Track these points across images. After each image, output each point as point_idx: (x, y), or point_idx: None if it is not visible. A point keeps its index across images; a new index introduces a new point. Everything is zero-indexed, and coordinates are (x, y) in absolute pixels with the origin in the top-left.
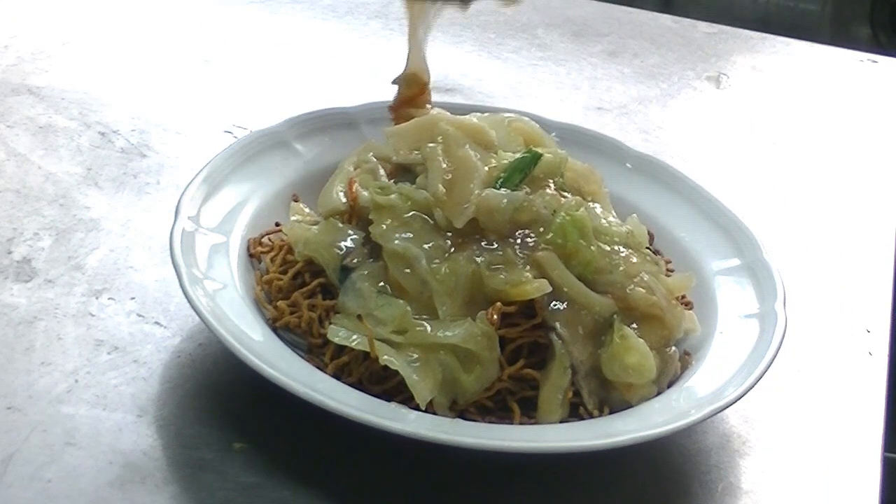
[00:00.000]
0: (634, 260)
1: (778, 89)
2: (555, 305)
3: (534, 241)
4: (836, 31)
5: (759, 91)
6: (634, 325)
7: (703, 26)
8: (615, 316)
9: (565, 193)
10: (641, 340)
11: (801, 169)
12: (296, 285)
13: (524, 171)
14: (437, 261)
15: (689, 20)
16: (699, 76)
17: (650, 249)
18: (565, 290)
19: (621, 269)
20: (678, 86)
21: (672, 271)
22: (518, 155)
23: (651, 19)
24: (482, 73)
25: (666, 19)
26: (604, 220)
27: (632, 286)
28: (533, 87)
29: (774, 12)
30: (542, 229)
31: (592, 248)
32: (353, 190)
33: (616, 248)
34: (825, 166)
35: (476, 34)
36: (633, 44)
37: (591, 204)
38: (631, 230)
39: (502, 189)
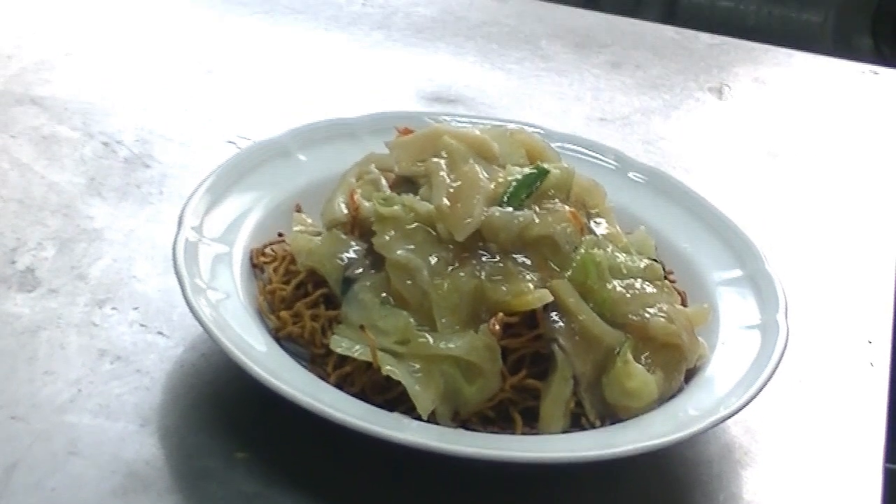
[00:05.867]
0: (650, 290)
1: (780, 100)
2: (558, 321)
3: (545, 263)
4: (838, 43)
5: (762, 102)
6: (647, 353)
7: (706, 37)
8: (626, 343)
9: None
10: (641, 367)
11: (802, 180)
12: (298, 295)
13: (530, 188)
14: (439, 277)
15: (691, 31)
16: (701, 87)
17: (670, 281)
18: (580, 317)
19: (638, 300)
20: (680, 97)
21: (674, 282)
22: (526, 170)
23: (653, 30)
24: (485, 84)
25: (668, 30)
26: (620, 256)
27: (649, 315)
28: (536, 97)
29: (777, 24)
30: (548, 250)
31: (608, 286)
32: (355, 200)
33: (632, 281)
34: (827, 177)
35: (479, 45)
36: (636, 55)
37: (597, 219)
38: (649, 264)
39: (508, 206)
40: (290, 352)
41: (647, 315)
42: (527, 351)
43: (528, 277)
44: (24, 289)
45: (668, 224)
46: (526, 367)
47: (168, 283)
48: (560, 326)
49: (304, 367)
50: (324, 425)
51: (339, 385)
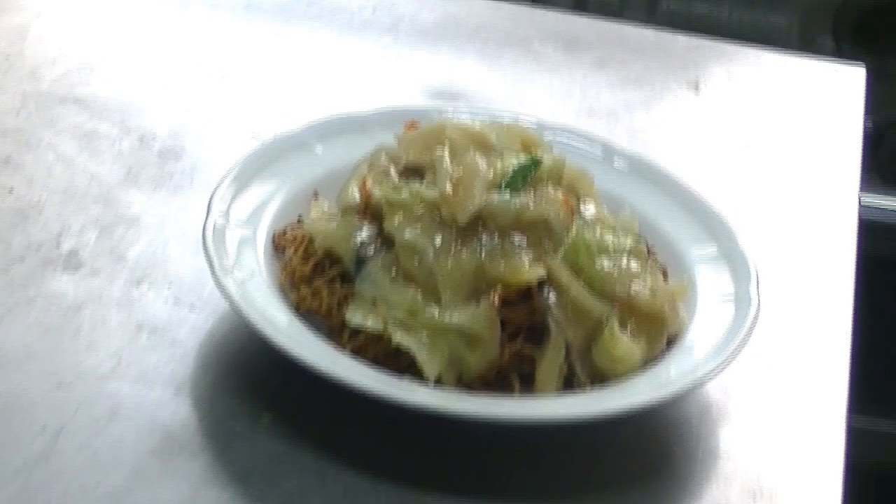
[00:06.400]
0: (635, 267)
1: (750, 95)
2: (552, 296)
3: (540, 243)
4: (802, 43)
5: (734, 97)
6: (633, 324)
7: (683, 39)
8: (613, 314)
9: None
10: (626, 336)
11: (771, 165)
12: (316, 273)
13: (526, 175)
14: (443, 256)
15: (669, 33)
16: (679, 83)
17: (652, 257)
18: (572, 292)
19: (625, 276)
20: (660, 92)
21: (656, 258)
22: (521, 159)
23: (636, 32)
24: (484, 82)
25: (649, 33)
26: (608, 237)
27: (635, 290)
28: (529, 93)
29: (747, 26)
30: (542, 232)
31: (598, 264)
32: (367, 188)
33: (619, 259)
34: (792, 163)
35: (478, 47)
36: (620, 54)
37: (586, 203)
38: (634, 243)
39: (506, 192)
40: (309, 325)
41: (632, 290)
42: (523, 322)
43: (524, 256)
44: (68, 269)
45: (651, 206)
46: (523, 336)
47: (198, 264)
48: (553, 300)
49: (321, 338)
50: (340, 391)
51: (354, 354)
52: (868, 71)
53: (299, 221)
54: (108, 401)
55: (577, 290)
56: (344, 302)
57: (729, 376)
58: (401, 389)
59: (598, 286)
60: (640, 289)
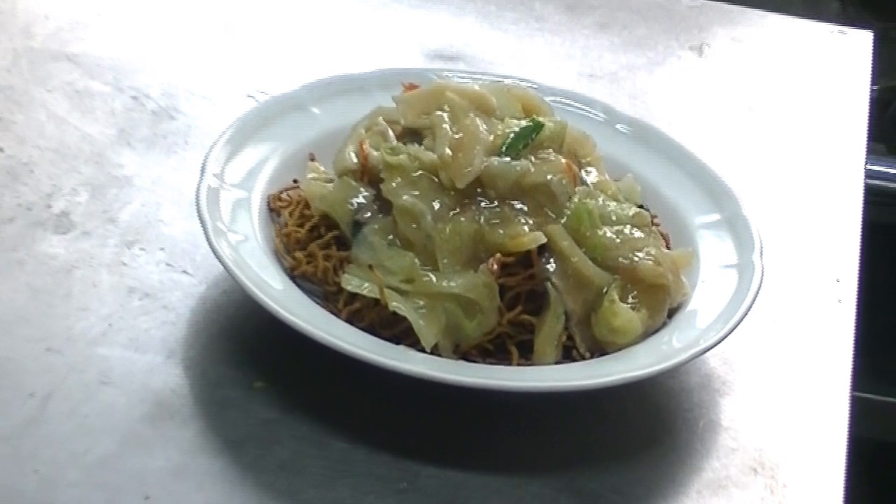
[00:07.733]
0: (638, 235)
1: (755, 58)
2: (552, 263)
3: (540, 209)
4: (808, 5)
5: (738, 60)
6: (635, 293)
7: (687, 1)
8: (613, 283)
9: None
10: (626, 307)
11: (775, 131)
12: (312, 237)
13: (527, 139)
14: (441, 221)
15: None
16: (683, 46)
17: (654, 224)
18: (573, 260)
19: (628, 245)
20: (664, 55)
21: (658, 225)
22: (522, 123)
23: None
24: (484, 43)
25: None
26: (611, 205)
27: (638, 259)
28: (531, 56)
29: None
30: (543, 197)
31: (600, 233)
32: (364, 150)
33: (621, 227)
34: (797, 128)
35: (478, 7)
36: (623, 16)
37: (588, 168)
38: (637, 211)
39: (506, 156)
40: (304, 289)
41: (636, 258)
42: (522, 289)
43: (523, 221)
44: (59, 231)
45: (653, 172)
46: (521, 303)
47: (192, 226)
48: (554, 268)
49: (317, 303)
50: (335, 357)
51: (350, 320)
52: (875, 35)
53: (295, 184)
54: (99, 366)
55: (579, 257)
56: (340, 267)
57: (731, 346)
58: (397, 357)
59: (600, 254)
60: (642, 258)
